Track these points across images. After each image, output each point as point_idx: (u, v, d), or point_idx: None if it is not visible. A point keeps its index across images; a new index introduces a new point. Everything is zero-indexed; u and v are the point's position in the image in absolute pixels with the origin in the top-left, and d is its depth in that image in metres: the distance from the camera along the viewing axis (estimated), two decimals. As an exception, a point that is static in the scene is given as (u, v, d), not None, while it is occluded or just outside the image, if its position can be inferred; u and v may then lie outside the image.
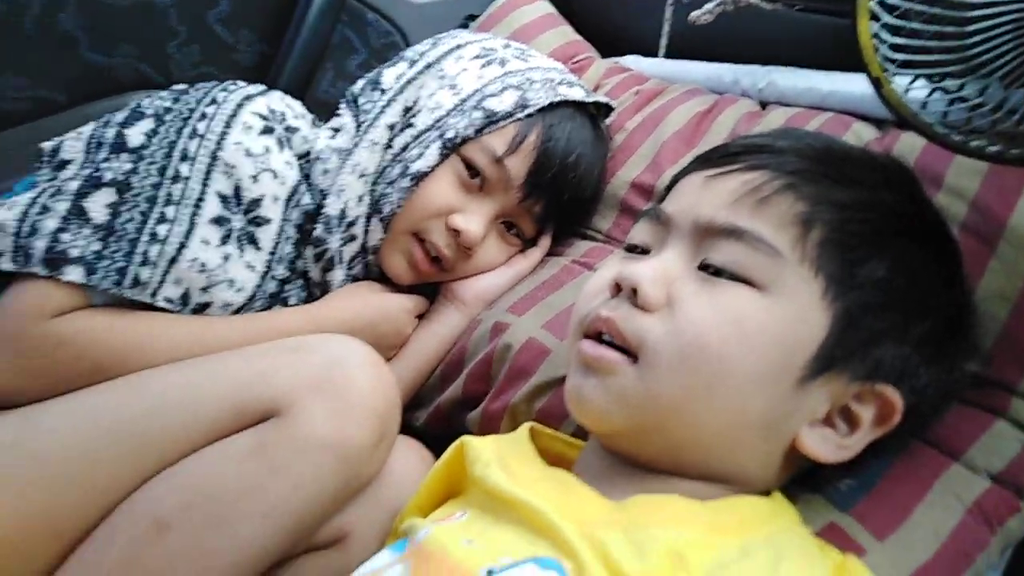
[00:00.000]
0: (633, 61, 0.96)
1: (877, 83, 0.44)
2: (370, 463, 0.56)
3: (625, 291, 0.43)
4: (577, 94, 0.73)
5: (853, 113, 0.68)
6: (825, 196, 0.42)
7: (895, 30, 0.44)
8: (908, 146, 0.60)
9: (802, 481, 0.47)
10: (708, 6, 0.78)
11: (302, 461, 0.53)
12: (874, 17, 0.43)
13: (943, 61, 0.43)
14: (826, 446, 0.42)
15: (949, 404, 0.49)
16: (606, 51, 1.02)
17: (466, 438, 0.49)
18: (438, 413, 0.71)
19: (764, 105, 0.78)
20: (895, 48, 0.44)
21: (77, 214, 0.59)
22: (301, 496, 0.53)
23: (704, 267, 0.42)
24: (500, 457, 0.45)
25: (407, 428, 0.67)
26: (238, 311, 0.67)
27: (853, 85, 0.68)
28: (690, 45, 0.90)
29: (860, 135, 0.65)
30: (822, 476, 0.46)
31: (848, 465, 0.44)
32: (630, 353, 0.42)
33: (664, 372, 0.41)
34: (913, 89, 0.46)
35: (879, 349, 0.42)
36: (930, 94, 0.46)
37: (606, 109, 0.80)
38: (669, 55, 0.93)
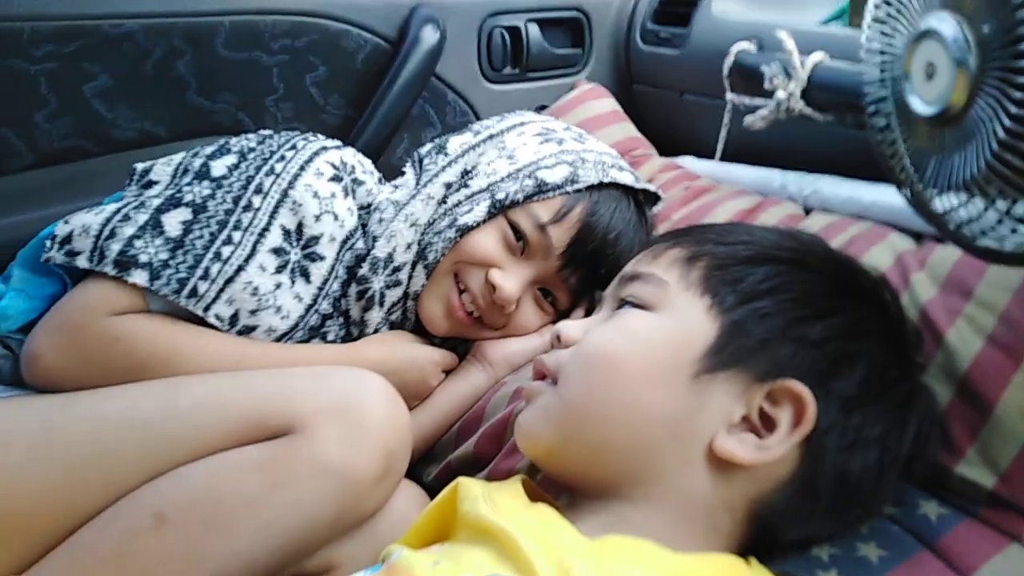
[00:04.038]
0: (689, 161, 1.00)
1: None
2: (372, 496, 0.57)
3: (554, 340, 0.54)
4: (626, 178, 0.76)
5: (893, 224, 0.69)
6: (706, 242, 0.51)
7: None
8: (942, 259, 0.60)
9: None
10: (761, 112, 0.82)
11: (306, 481, 0.54)
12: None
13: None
14: (744, 447, 0.44)
15: (898, 452, 0.48)
16: (665, 150, 1.07)
17: (461, 478, 0.50)
18: (448, 469, 0.71)
19: (808, 211, 0.80)
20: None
21: (153, 226, 0.65)
22: (299, 515, 0.54)
23: (618, 308, 0.52)
24: (488, 493, 0.46)
25: (417, 482, 0.68)
26: (280, 339, 0.71)
27: (894, 197, 0.69)
28: (745, 149, 0.94)
29: (896, 246, 0.65)
30: (792, 539, 0.46)
31: (827, 535, 0.44)
32: (555, 382, 0.50)
33: (572, 381, 0.49)
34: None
35: (774, 348, 0.46)
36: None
37: (654, 198, 0.83)
38: (724, 158, 0.97)
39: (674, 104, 1.10)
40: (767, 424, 0.45)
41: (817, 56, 0.76)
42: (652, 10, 1.14)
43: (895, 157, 0.48)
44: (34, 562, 0.55)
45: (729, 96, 0.91)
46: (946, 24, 0.39)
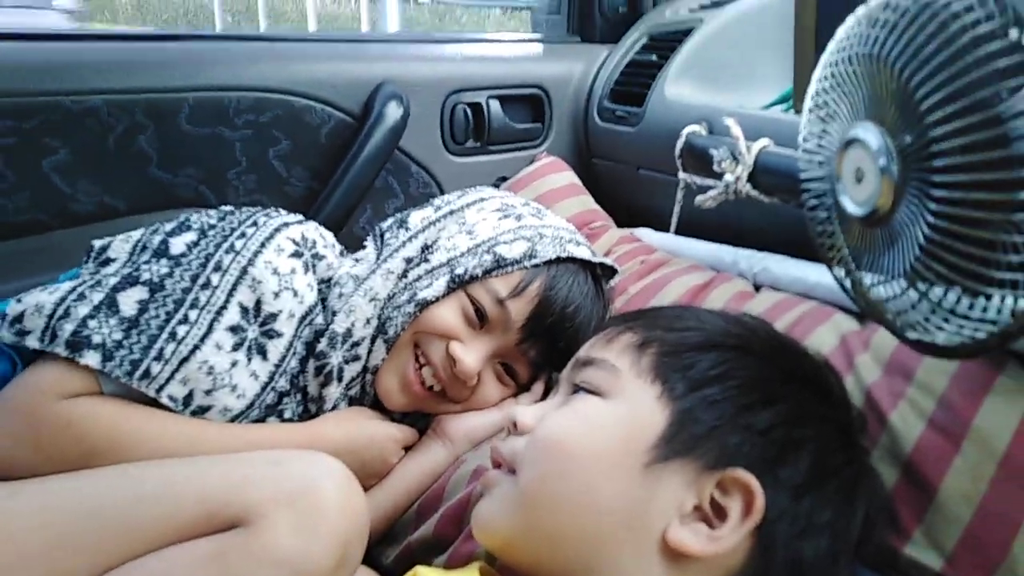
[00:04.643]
0: (645, 234, 1.03)
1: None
2: None
3: (509, 426, 0.55)
4: (583, 253, 0.78)
5: (837, 304, 0.72)
6: (656, 328, 0.53)
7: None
8: (885, 340, 0.63)
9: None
10: (711, 192, 0.85)
11: (257, 574, 0.53)
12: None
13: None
14: (696, 539, 0.45)
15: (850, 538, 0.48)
16: (622, 221, 1.10)
17: (420, 568, 0.50)
18: (408, 552, 0.70)
19: (758, 288, 0.83)
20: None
21: (108, 305, 0.64)
22: None
23: (573, 393, 0.53)
24: None
25: (375, 566, 0.66)
26: (235, 418, 0.70)
27: (838, 278, 0.73)
28: (698, 225, 0.97)
29: (840, 326, 0.68)
30: None
31: None
32: (513, 472, 0.51)
33: (528, 470, 0.49)
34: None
35: (722, 436, 0.47)
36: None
37: (611, 271, 0.84)
38: (679, 231, 1.00)
39: (630, 178, 1.14)
40: (718, 513, 0.45)
41: (762, 142, 0.80)
42: (608, 89, 1.19)
43: (834, 249, 0.50)
44: None
45: (681, 175, 0.94)
46: (871, 134, 0.42)
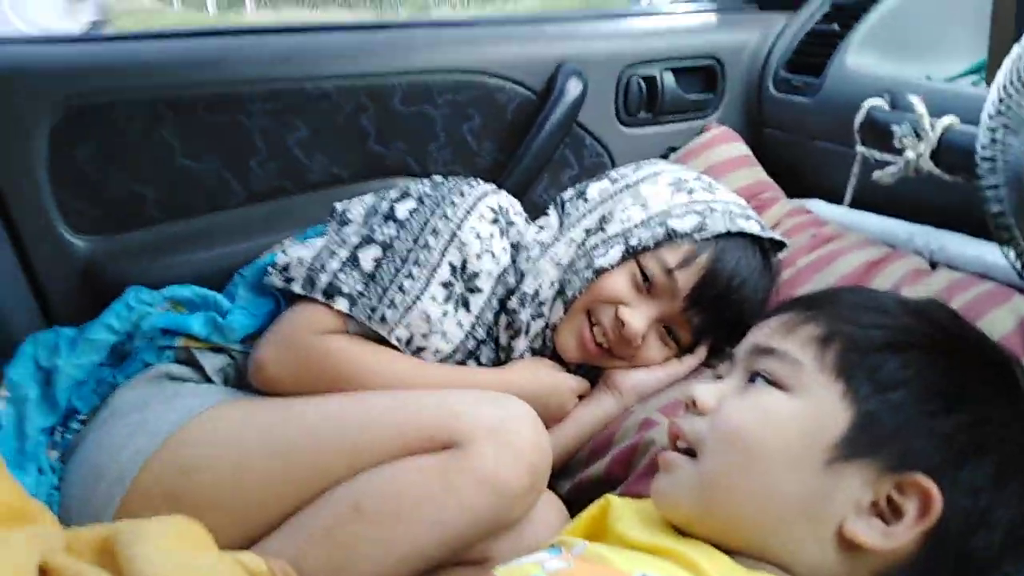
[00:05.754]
0: (816, 205, 1.05)
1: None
2: (519, 505, 0.68)
3: (689, 404, 0.56)
4: (752, 227, 0.82)
5: (1017, 287, 0.72)
6: (841, 321, 0.53)
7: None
8: (1065, 323, 0.64)
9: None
10: (891, 168, 0.86)
11: (469, 488, 0.66)
12: None
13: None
14: (871, 533, 0.47)
15: None
16: (792, 192, 1.12)
17: (611, 497, 0.58)
18: (581, 485, 0.80)
19: (934, 265, 0.83)
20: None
21: (352, 261, 0.80)
22: (462, 516, 0.66)
23: (751, 380, 0.54)
24: (640, 517, 0.53)
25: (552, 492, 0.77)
26: (443, 360, 0.83)
27: (1021, 259, 0.72)
28: (871, 198, 0.97)
29: (1019, 307, 0.68)
30: None
31: None
32: (692, 452, 0.53)
33: (711, 456, 0.52)
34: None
35: (905, 440, 0.48)
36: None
37: (779, 245, 0.87)
38: (852, 205, 1.01)
39: (804, 148, 1.15)
40: (895, 511, 0.47)
41: (947, 119, 0.80)
42: (786, 59, 1.19)
43: (1014, 241, 0.53)
44: (258, 539, 0.69)
45: (859, 148, 0.95)
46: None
